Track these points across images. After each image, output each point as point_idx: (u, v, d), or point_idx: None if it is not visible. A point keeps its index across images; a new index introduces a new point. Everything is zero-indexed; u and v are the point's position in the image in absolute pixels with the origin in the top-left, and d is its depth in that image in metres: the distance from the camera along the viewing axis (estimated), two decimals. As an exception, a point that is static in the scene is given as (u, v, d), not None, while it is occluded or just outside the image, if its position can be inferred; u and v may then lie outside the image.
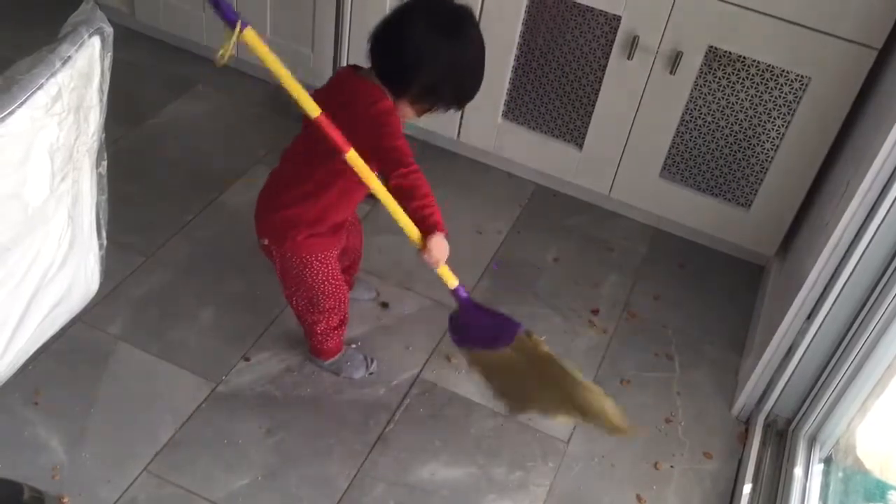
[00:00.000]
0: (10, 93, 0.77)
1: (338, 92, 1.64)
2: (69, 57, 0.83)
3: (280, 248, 1.75)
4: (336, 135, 1.45)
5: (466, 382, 2.02)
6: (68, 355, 1.91)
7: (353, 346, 2.04)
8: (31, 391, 1.82)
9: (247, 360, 1.99)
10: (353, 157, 1.47)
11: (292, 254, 1.75)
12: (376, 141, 1.55)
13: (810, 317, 1.85)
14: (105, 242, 1.11)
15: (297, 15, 2.57)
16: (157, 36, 2.89)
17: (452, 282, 1.69)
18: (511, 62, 2.36)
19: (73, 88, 0.86)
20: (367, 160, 1.50)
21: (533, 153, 2.51)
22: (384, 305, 2.18)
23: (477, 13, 2.29)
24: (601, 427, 1.64)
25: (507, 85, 2.41)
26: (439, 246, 1.56)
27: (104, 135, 1.01)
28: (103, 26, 0.89)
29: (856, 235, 1.72)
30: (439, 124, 2.50)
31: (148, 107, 2.66)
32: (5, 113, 0.76)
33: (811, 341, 1.86)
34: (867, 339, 1.77)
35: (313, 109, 1.42)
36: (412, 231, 1.55)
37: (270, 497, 1.73)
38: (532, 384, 1.72)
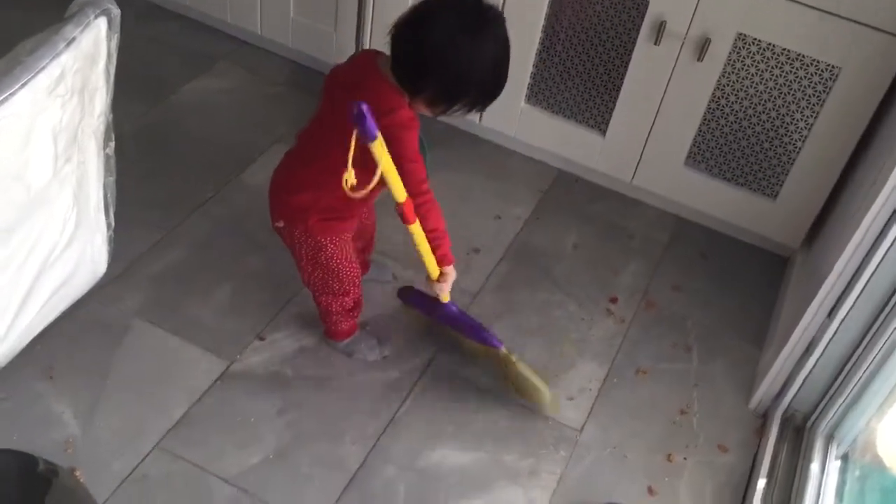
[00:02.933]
0: (12, 74, 0.76)
1: (354, 83, 1.61)
2: (73, 38, 0.82)
3: (294, 231, 1.74)
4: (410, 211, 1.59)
5: (480, 369, 2.01)
6: (84, 330, 1.92)
7: (368, 328, 2.04)
8: (46, 366, 1.84)
9: (261, 339, 1.99)
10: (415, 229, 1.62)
11: (306, 236, 1.74)
12: (393, 159, 1.54)
13: (831, 313, 1.82)
14: (113, 223, 1.11)
15: (321, -7, 2.55)
16: (180, 11, 2.88)
17: (446, 300, 1.88)
18: (535, 45, 2.33)
19: (77, 70, 0.85)
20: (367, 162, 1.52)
21: (555, 138, 2.48)
22: (395, 278, 2.19)
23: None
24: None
25: (530, 69, 2.37)
26: (451, 276, 1.76)
27: (112, 115, 1.00)
28: (110, 7, 0.88)
29: (881, 232, 1.68)
30: (461, 106, 2.47)
31: (170, 83, 2.66)
32: (6, 94, 0.76)
33: (832, 338, 1.83)
34: (889, 338, 1.73)
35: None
36: (432, 266, 1.72)
37: (281, 476, 1.74)
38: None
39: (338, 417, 1.86)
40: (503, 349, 1.86)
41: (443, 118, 1.66)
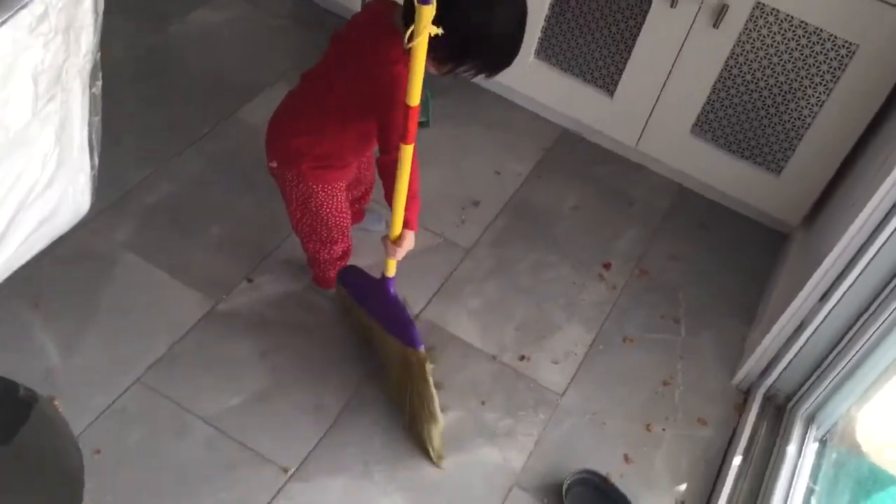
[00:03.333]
0: (-10, 10, 0.73)
1: (363, 36, 1.57)
2: (58, -24, 0.78)
3: (286, 174, 1.72)
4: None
5: (467, 326, 2.00)
6: (73, 260, 1.91)
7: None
8: (34, 294, 1.83)
9: (250, 280, 1.98)
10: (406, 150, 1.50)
11: (298, 181, 1.71)
12: (376, 109, 1.52)
13: (824, 297, 1.80)
14: (97, 163, 1.08)
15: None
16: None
17: (392, 272, 1.73)
18: (549, -1, 2.27)
19: (61, 8, 0.81)
20: (363, 112, 1.48)
21: (562, 96, 2.43)
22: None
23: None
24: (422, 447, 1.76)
25: (542, 22, 2.31)
26: (409, 244, 1.64)
27: (100, 54, 0.96)
28: (98, -58, 0.84)
29: (881, 221, 1.66)
30: (469, 56, 2.41)
31: (173, 12, 2.60)
32: (-17, 30, 0.72)
33: (822, 322, 1.81)
34: (879, 328, 1.72)
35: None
36: (398, 225, 1.61)
37: (260, 419, 1.74)
38: (392, 377, 1.80)
39: (320, 364, 1.86)
40: (422, 351, 1.70)
41: (449, 78, 1.60)
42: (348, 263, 1.93)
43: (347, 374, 1.86)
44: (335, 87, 1.61)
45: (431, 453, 1.75)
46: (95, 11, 0.89)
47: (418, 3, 1.29)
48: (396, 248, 1.64)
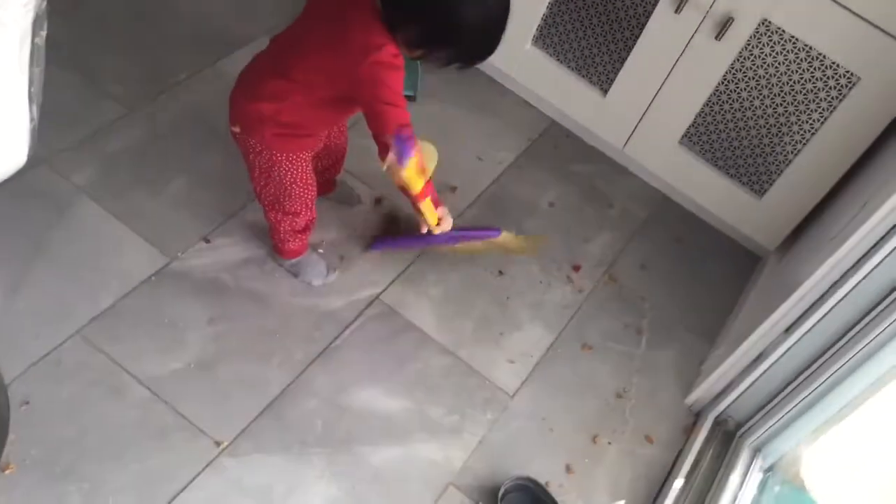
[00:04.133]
0: None
1: (340, 12, 1.48)
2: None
3: (249, 140, 1.65)
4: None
5: (426, 314, 1.95)
6: (25, 197, 1.83)
7: (321, 251, 1.97)
8: (-22, 227, 1.76)
9: (207, 241, 1.91)
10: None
11: (261, 148, 1.65)
12: (360, 98, 1.49)
13: (789, 330, 1.77)
14: (36, 117, 1.01)
15: None
16: None
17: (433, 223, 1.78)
18: (553, -14, 2.19)
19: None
20: (334, 86, 1.41)
21: (555, 87, 2.36)
22: (378, 201, 2.13)
23: (528, -74, 2.10)
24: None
25: (543, 10, 2.24)
26: (449, 219, 1.76)
27: (45, 4, 0.89)
28: None
29: (856, 262, 1.62)
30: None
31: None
32: None
33: (783, 355, 1.78)
34: (840, 368, 1.69)
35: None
36: (431, 214, 1.71)
37: (197, 387, 1.69)
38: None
39: (269, 337, 1.81)
40: (502, 234, 1.94)
41: (422, 64, 1.54)
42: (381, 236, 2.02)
43: (295, 351, 1.80)
44: (305, 57, 1.53)
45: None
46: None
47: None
48: (443, 227, 1.75)
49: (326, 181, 2.00)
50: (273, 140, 1.62)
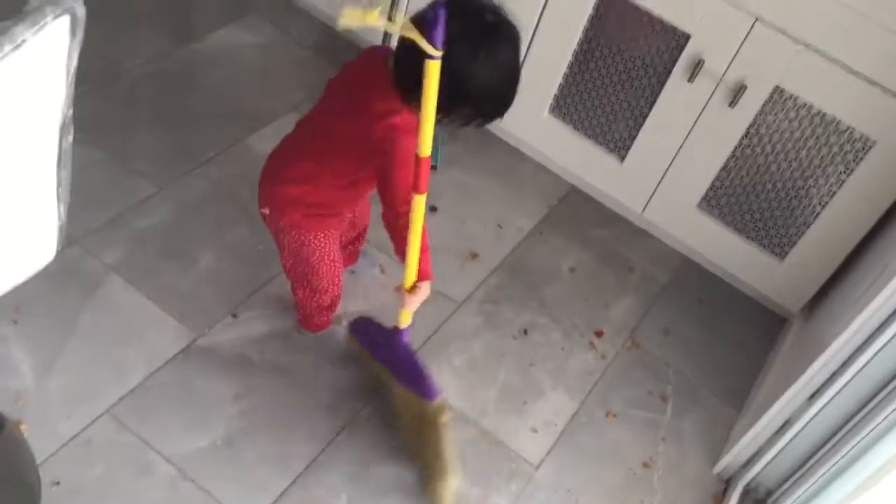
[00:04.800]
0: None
1: (359, 82, 1.55)
2: (23, 41, 0.76)
3: (279, 221, 1.70)
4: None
5: (449, 383, 1.96)
6: (58, 277, 1.89)
7: (344, 322, 2.00)
8: (13, 308, 1.81)
9: (234, 316, 1.95)
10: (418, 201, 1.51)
11: (290, 229, 1.69)
12: (382, 164, 1.51)
13: (813, 396, 1.76)
14: (64, 217, 1.06)
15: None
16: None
17: (406, 323, 1.73)
18: (568, 58, 2.24)
19: (23, 72, 0.79)
20: (358, 163, 1.45)
21: (573, 154, 2.40)
22: (383, 271, 2.14)
23: (542, 2, 2.16)
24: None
25: (559, 80, 2.29)
26: (424, 293, 1.64)
27: (72, 110, 0.94)
28: (74, 6, 0.81)
29: (879, 326, 1.61)
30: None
31: (196, 28, 2.60)
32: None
33: (809, 421, 1.77)
34: (867, 435, 1.67)
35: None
36: (411, 274, 1.61)
37: (224, 465, 1.71)
38: (406, 429, 1.79)
39: (294, 411, 1.83)
40: (437, 402, 1.68)
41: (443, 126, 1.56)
42: (365, 317, 1.91)
43: (320, 425, 1.82)
44: (329, 136, 1.58)
45: None
46: (67, 71, 0.86)
47: (426, 58, 1.30)
48: (412, 297, 1.63)
49: (351, 253, 2.04)
50: (302, 221, 1.67)
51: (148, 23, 2.56)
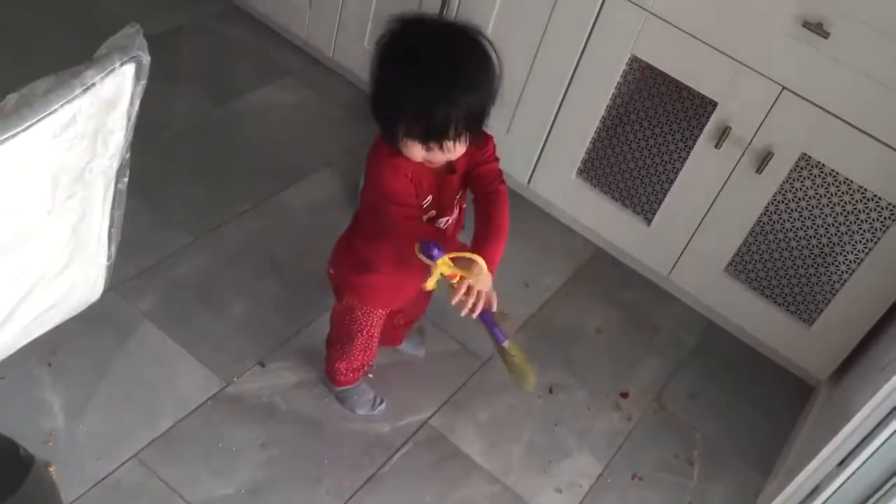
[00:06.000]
0: (19, 114, 0.75)
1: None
2: (93, 84, 0.81)
3: (339, 286, 1.78)
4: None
5: (473, 440, 1.96)
6: (93, 322, 1.91)
7: (371, 376, 2.01)
8: (49, 351, 1.85)
9: (262, 365, 1.98)
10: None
11: (346, 293, 1.76)
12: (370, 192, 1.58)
13: (842, 463, 1.74)
14: (113, 255, 1.10)
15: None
16: (261, 18, 2.91)
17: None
18: (597, 122, 2.29)
19: (91, 115, 0.84)
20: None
21: (600, 217, 2.43)
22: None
23: (573, 65, 2.22)
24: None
25: (587, 144, 2.33)
26: (483, 276, 1.62)
27: (129, 154, 0.99)
28: (140, 55, 0.87)
29: (909, 394, 1.60)
30: (513, 166, 2.43)
31: (235, 88, 2.69)
32: (8, 135, 0.75)
33: (838, 489, 1.74)
34: (898, 504, 1.64)
35: None
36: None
37: (248, 513, 1.72)
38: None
39: (318, 463, 1.84)
40: (505, 344, 1.74)
41: (431, 159, 1.52)
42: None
43: (343, 477, 1.82)
44: (369, 215, 1.65)
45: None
46: (128, 116, 0.92)
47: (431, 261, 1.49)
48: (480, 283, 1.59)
49: (395, 337, 2.05)
50: (358, 290, 1.73)
51: (190, 82, 2.65)
